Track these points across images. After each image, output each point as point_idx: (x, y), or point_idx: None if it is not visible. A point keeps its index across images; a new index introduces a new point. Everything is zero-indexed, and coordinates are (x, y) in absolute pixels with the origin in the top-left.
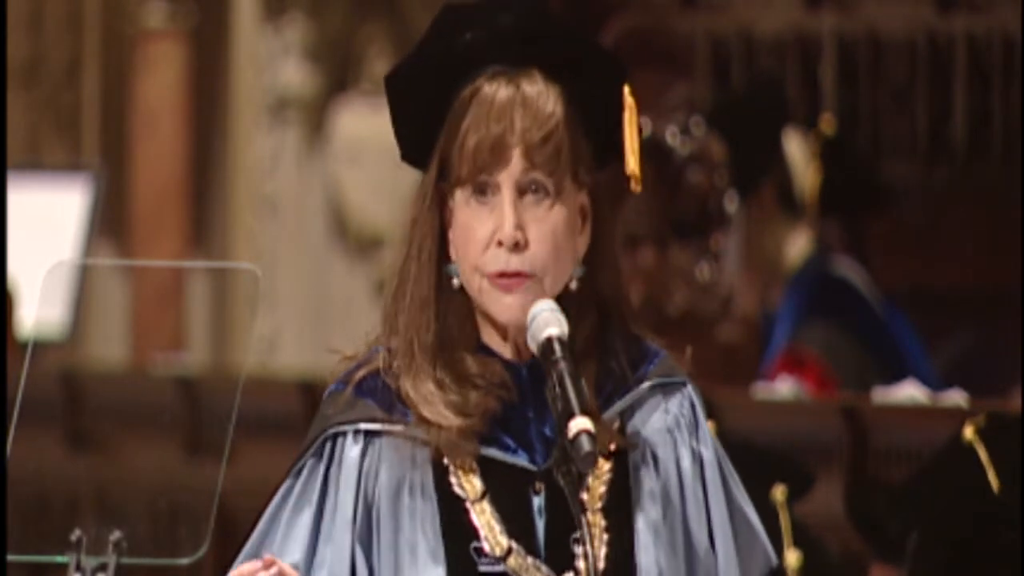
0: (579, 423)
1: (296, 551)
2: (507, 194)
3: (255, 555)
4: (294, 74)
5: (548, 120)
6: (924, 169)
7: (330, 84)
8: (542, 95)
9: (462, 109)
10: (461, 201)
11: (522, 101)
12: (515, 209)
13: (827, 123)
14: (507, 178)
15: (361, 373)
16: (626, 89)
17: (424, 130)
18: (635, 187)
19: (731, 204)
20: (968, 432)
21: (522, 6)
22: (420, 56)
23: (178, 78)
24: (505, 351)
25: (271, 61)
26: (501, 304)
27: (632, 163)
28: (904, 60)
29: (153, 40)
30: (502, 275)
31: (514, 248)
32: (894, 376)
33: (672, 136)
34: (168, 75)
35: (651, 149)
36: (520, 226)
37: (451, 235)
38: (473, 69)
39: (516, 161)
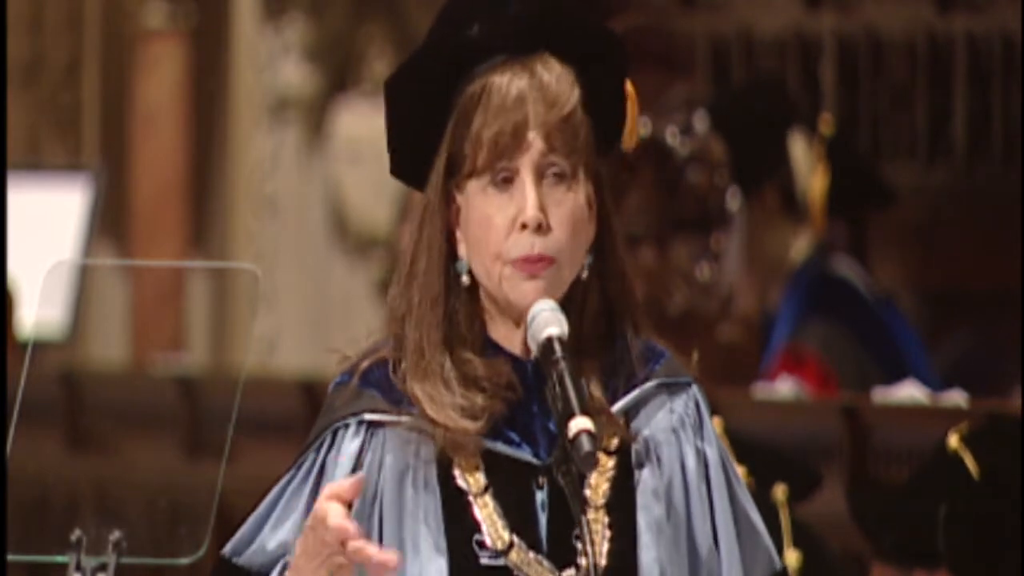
0: (579, 423)
1: (288, 534)
2: (527, 178)
3: (250, 540)
4: (294, 74)
5: (566, 103)
6: (924, 169)
7: (330, 84)
8: (559, 79)
9: (472, 103)
10: (476, 191)
11: (538, 87)
12: (536, 191)
13: (825, 123)
14: (527, 162)
15: (366, 364)
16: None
17: (422, 135)
18: (629, 146)
19: (733, 202)
20: (953, 441)
21: None
22: (425, 54)
23: (178, 78)
24: (513, 346)
25: (271, 61)
26: (521, 290)
27: (630, 140)
28: (904, 60)
29: (153, 40)
30: (526, 260)
31: (537, 230)
32: (894, 376)
33: (672, 136)
34: (168, 75)
35: (651, 149)
36: (542, 208)
37: (459, 233)
38: (480, 62)
39: (535, 145)
